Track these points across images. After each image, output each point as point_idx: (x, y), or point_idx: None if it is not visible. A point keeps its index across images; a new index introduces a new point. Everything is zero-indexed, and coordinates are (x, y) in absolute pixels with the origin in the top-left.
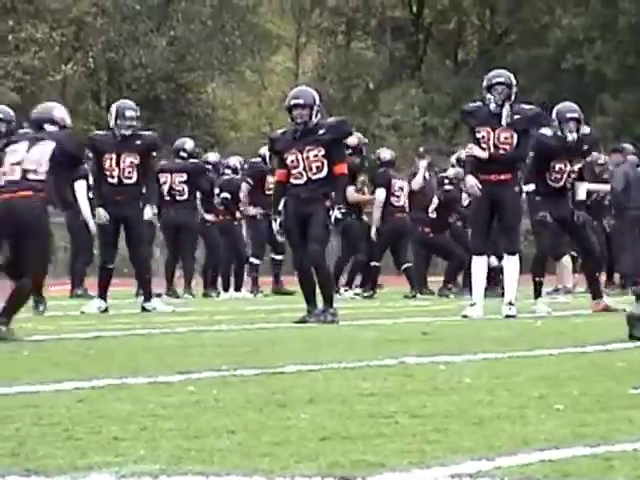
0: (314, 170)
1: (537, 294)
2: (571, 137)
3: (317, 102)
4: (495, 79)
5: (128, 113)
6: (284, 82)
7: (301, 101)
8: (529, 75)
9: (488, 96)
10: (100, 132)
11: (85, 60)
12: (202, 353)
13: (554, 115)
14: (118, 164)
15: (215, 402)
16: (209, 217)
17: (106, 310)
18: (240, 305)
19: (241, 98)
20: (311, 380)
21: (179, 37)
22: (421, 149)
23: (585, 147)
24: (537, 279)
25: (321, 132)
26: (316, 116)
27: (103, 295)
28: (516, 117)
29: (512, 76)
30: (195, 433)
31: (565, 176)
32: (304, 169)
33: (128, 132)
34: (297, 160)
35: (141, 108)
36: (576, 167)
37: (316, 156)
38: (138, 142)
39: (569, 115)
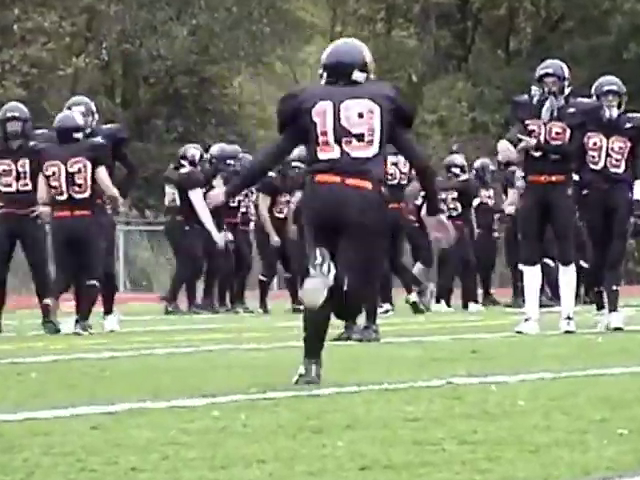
0: None
1: (598, 306)
2: (608, 111)
3: None
4: (543, 70)
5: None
6: (318, 75)
7: None
8: (588, 66)
9: (534, 88)
10: None
11: (98, 52)
12: (228, 374)
13: (593, 89)
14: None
15: (243, 428)
16: None
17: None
18: (271, 321)
19: (271, 93)
20: (349, 403)
21: (201, 26)
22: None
23: (628, 125)
24: (596, 290)
25: None
26: None
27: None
28: (570, 110)
29: (564, 67)
30: (221, 463)
31: (603, 154)
32: None
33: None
34: None
35: (160, 104)
36: (616, 146)
37: None
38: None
39: (607, 88)
